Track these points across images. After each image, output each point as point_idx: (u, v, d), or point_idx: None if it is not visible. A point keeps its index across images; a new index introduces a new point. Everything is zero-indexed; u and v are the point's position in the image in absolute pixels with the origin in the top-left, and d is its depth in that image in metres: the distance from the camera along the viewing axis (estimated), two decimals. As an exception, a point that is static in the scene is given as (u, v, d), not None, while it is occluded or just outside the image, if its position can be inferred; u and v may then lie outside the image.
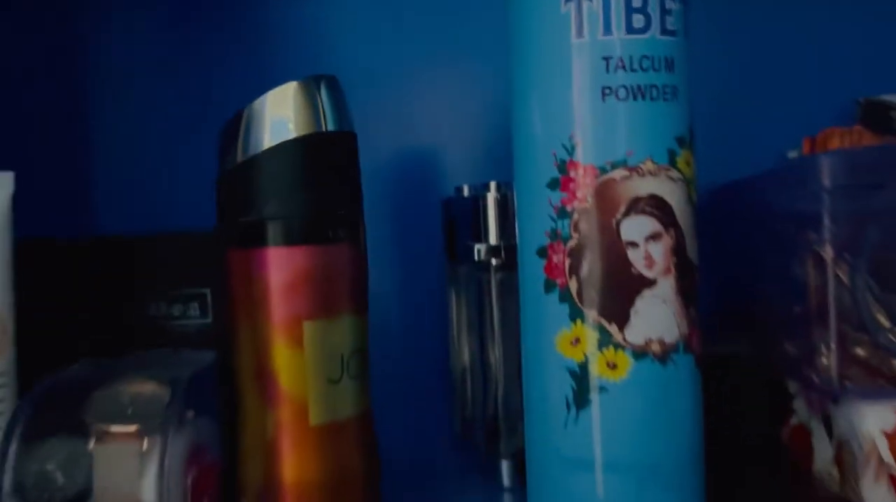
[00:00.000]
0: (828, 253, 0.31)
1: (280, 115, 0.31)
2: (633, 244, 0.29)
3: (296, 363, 0.30)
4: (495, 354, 0.42)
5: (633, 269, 0.29)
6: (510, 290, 0.41)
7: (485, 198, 0.41)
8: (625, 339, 0.30)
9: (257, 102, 0.31)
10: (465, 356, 0.46)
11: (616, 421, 0.30)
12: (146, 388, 0.34)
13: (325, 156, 0.31)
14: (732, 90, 0.49)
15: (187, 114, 0.50)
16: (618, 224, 0.29)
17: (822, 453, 0.34)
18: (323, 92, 0.32)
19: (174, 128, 0.49)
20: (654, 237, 0.29)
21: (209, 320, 0.41)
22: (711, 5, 0.48)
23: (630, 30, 0.29)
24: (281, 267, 0.31)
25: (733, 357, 0.41)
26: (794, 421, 0.36)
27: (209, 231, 0.37)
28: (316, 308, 0.31)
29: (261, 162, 0.31)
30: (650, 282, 0.30)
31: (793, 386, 0.36)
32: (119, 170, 0.49)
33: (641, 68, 0.29)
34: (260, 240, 0.31)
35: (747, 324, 0.40)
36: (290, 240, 0.31)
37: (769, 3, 0.49)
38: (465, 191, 0.45)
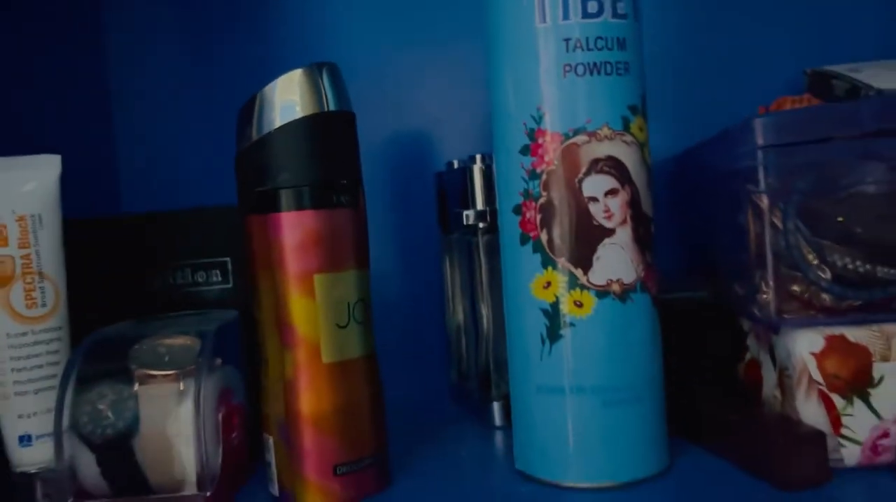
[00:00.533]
0: (764, 203, 0.36)
1: (288, 98, 0.36)
2: (594, 199, 0.34)
3: (309, 311, 0.35)
4: (485, 310, 0.47)
5: (594, 221, 0.34)
6: (496, 251, 0.46)
7: (471, 169, 0.46)
8: (589, 281, 0.35)
9: (268, 87, 0.36)
10: (459, 315, 0.51)
11: (583, 351, 0.35)
12: (179, 340, 0.39)
13: (327, 132, 0.36)
14: (699, 65, 0.54)
15: (205, 101, 0.55)
16: (580, 182, 0.34)
17: (769, 381, 0.39)
18: (325, 77, 0.37)
19: (193, 115, 0.54)
20: (611, 192, 0.34)
21: (230, 285, 0.46)
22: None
23: (585, 15, 0.34)
24: (293, 229, 0.36)
25: (700, 301, 0.46)
26: (748, 356, 0.41)
27: (227, 206, 0.42)
28: (324, 263, 0.36)
29: (273, 139, 0.36)
30: (609, 232, 0.35)
31: (746, 325, 0.41)
32: (143, 155, 0.54)
33: (597, 48, 0.34)
34: (274, 207, 0.36)
35: (709, 271, 0.45)
36: (300, 205, 0.36)
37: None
38: (455, 165, 0.50)
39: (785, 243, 0.35)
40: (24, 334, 0.36)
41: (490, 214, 0.46)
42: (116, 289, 0.45)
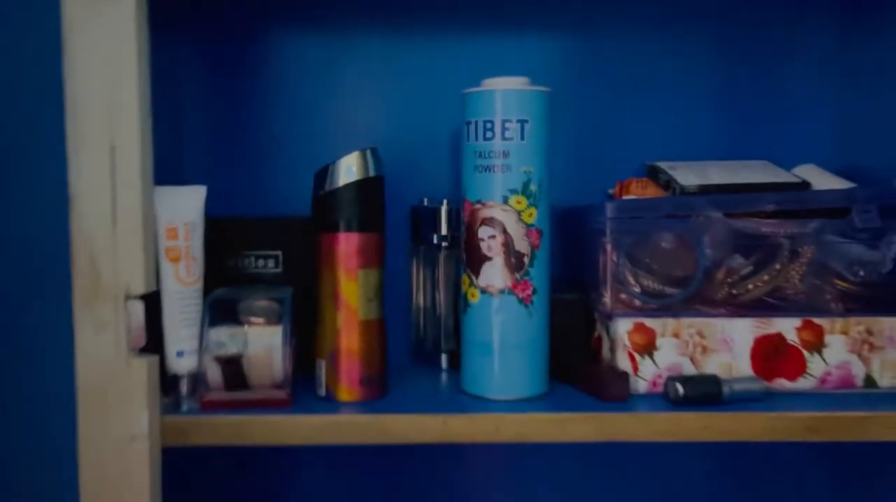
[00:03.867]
0: (608, 248, 0.65)
1: (349, 168, 0.63)
2: (481, 240, 0.63)
3: (353, 289, 0.62)
4: (442, 298, 0.75)
5: (481, 252, 0.63)
6: (451, 260, 0.74)
7: (440, 209, 0.74)
8: (477, 284, 0.63)
9: (338, 161, 0.62)
10: (421, 300, 0.79)
11: (474, 323, 0.64)
12: (266, 303, 0.65)
13: (368, 188, 0.63)
14: (587, 153, 0.83)
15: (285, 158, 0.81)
16: (476, 228, 0.63)
17: (606, 346, 0.68)
18: (369, 156, 0.64)
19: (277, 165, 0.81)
20: (491, 237, 0.63)
21: (280, 270, 0.72)
22: (575, 100, 0.82)
23: (484, 138, 0.62)
24: (347, 243, 0.62)
25: (573, 300, 0.74)
26: (596, 332, 0.71)
27: (282, 216, 0.69)
28: (363, 263, 0.63)
29: (338, 191, 0.62)
30: (489, 259, 0.63)
31: (597, 315, 0.71)
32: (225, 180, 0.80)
33: (489, 157, 0.62)
34: (336, 229, 0.62)
35: (579, 283, 0.74)
36: (350, 229, 0.62)
37: (609, 103, 0.83)
38: (425, 202, 0.78)
39: (617, 271, 0.65)
40: (183, 292, 0.62)
41: (450, 238, 0.74)
42: (213, 266, 0.70)
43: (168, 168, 0.63)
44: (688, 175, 0.74)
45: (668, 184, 0.74)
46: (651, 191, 0.77)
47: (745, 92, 0.83)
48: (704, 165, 0.76)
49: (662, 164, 0.77)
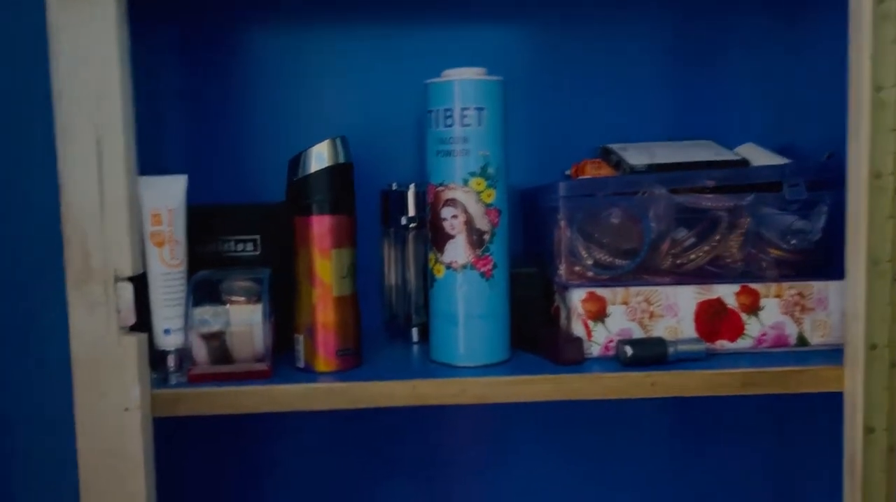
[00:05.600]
0: (562, 224, 0.70)
1: (320, 155, 0.67)
2: (445, 219, 0.68)
3: (327, 267, 0.67)
4: (412, 276, 0.80)
5: (445, 231, 0.68)
6: (420, 240, 0.79)
7: (407, 193, 0.79)
8: (441, 260, 0.68)
9: (310, 149, 0.67)
10: (392, 278, 0.84)
11: (440, 296, 0.69)
12: (246, 283, 0.70)
13: (339, 174, 0.68)
14: (543, 137, 0.88)
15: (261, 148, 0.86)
16: (440, 209, 0.68)
17: (563, 314, 0.74)
18: (338, 143, 0.68)
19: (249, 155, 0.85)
20: (454, 216, 0.68)
21: (258, 253, 0.77)
22: (530, 87, 0.87)
23: (444, 125, 0.67)
24: (320, 225, 0.67)
25: (532, 273, 0.80)
26: (555, 302, 0.76)
27: (260, 203, 0.73)
28: (336, 243, 0.68)
29: (311, 177, 0.67)
30: (452, 237, 0.68)
31: (556, 286, 0.76)
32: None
33: (450, 142, 0.67)
34: (310, 212, 0.67)
35: (538, 258, 0.80)
36: (323, 212, 0.67)
37: (563, 88, 0.88)
38: (393, 186, 0.83)
39: (571, 245, 0.70)
40: (168, 274, 0.66)
41: (417, 219, 0.79)
42: (194, 250, 0.75)
43: (150, 158, 0.68)
44: (637, 155, 0.79)
45: (618, 164, 0.79)
46: (605, 172, 0.82)
47: (691, 75, 0.89)
48: (652, 146, 0.82)
49: (614, 146, 0.82)
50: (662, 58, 0.89)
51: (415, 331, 0.80)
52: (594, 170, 0.82)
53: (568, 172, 0.85)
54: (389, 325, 0.85)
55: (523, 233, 0.84)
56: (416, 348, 0.78)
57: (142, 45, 0.68)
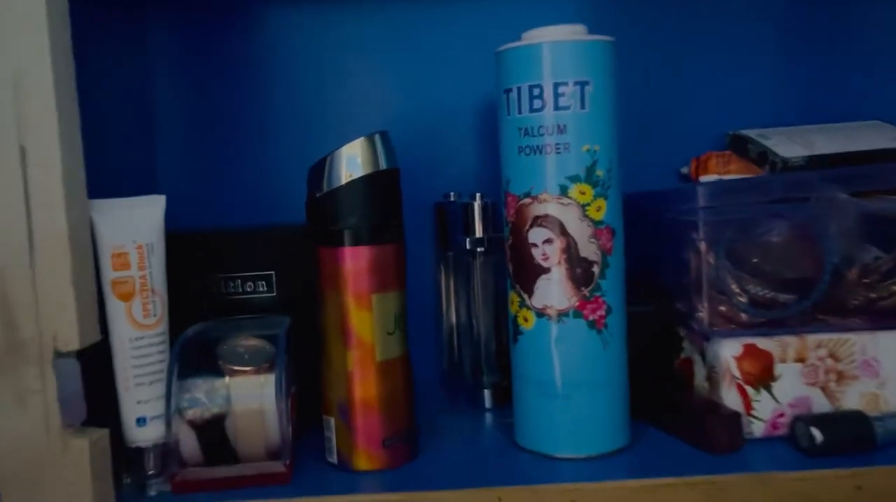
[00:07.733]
0: (702, 246, 0.49)
1: (352, 160, 0.47)
2: (535, 245, 0.47)
3: (366, 321, 0.47)
4: (480, 315, 0.59)
5: (535, 261, 0.47)
6: (490, 269, 0.58)
7: (472, 205, 0.58)
8: (530, 304, 0.47)
9: (337, 151, 0.47)
10: (453, 317, 0.63)
11: (529, 355, 0.48)
12: (254, 342, 0.50)
13: (381, 186, 0.47)
14: (649, 124, 0.66)
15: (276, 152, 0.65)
16: (526, 231, 0.47)
17: (699, 374, 0.52)
18: (378, 142, 0.48)
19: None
20: (548, 241, 0.47)
21: (274, 294, 0.57)
22: (633, 58, 0.66)
23: (531, 110, 0.46)
24: (355, 260, 0.47)
25: (648, 313, 0.58)
26: (683, 355, 0.55)
27: (274, 225, 0.53)
28: (378, 285, 0.47)
29: (341, 192, 0.47)
30: (546, 271, 0.47)
31: (682, 332, 0.55)
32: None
33: (539, 134, 0.46)
34: (341, 242, 0.47)
35: (654, 292, 0.58)
36: (359, 242, 0.47)
37: (674, 60, 0.67)
38: (452, 197, 0.62)
39: (715, 275, 0.49)
40: (141, 338, 0.46)
41: (487, 241, 0.58)
42: (190, 295, 0.55)
43: (133, 174, 0.48)
44: (786, 144, 0.57)
45: (762, 157, 0.57)
46: (735, 168, 0.61)
47: (838, 37, 0.67)
48: (805, 131, 0.60)
49: (751, 133, 0.60)
50: (799, 15, 0.67)
51: (487, 395, 0.59)
52: (722, 167, 0.61)
53: (684, 170, 0.63)
54: (450, 381, 0.64)
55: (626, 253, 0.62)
56: (489, 419, 0.57)
57: (119, 34, 0.48)
